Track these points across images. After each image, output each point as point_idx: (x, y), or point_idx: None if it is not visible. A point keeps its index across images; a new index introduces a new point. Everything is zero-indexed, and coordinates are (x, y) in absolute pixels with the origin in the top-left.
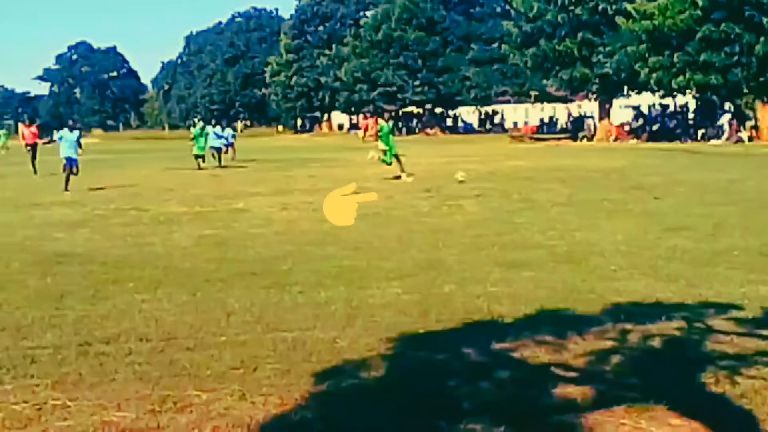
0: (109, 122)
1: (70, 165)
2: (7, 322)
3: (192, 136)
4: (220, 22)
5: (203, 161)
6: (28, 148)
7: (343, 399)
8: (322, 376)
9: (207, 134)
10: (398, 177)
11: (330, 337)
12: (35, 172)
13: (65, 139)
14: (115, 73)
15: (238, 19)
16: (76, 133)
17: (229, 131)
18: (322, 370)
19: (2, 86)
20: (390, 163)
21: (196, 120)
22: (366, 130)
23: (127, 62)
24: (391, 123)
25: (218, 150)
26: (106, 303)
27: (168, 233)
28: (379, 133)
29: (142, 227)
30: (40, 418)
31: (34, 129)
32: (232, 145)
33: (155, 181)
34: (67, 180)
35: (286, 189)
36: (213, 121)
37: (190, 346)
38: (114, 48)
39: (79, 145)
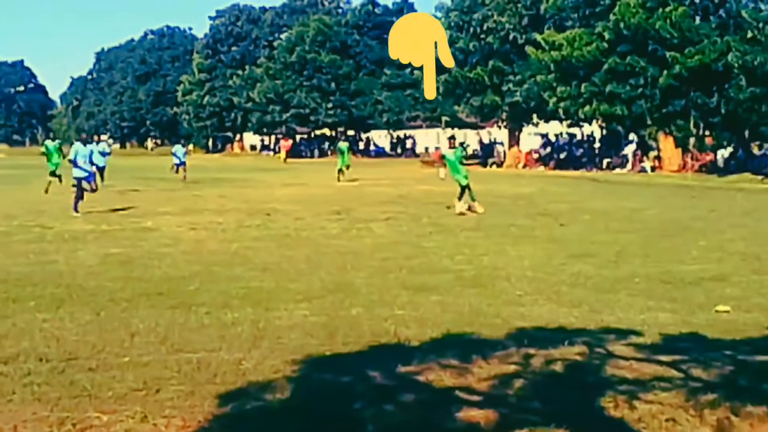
0: (15, 137)
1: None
2: None
3: (42, 151)
4: (132, 39)
5: (60, 181)
6: None
7: (247, 421)
8: (226, 397)
9: (78, 153)
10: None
11: (235, 359)
12: None
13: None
14: (22, 87)
15: (151, 37)
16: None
17: (180, 149)
18: (227, 391)
19: None
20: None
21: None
22: (288, 151)
23: (35, 76)
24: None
25: (101, 169)
26: (6, 322)
27: (72, 251)
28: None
29: (46, 245)
30: None
31: None
32: (184, 164)
33: (61, 198)
34: None
35: (195, 208)
36: (96, 137)
37: (92, 367)
38: (21, 61)
39: None
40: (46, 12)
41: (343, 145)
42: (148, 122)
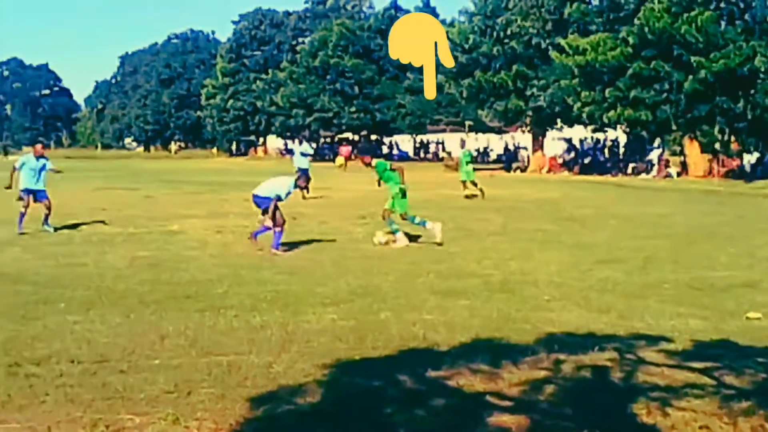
0: (41, 140)
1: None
2: None
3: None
4: (156, 43)
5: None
6: None
7: (278, 425)
8: (257, 401)
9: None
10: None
11: (265, 362)
12: None
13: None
14: (47, 91)
15: (175, 41)
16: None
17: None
18: (258, 395)
19: None
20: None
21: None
22: (347, 157)
23: (60, 80)
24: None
25: (305, 171)
26: (37, 323)
27: (101, 254)
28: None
29: (75, 247)
30: None
31: None
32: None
33: (88, 201)
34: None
35: (221, 212)
36: (298, 140)
37: (123, 369)
38: (46, 65)
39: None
40: (71, 16)
41: (464, 153)
42: (172, 125)
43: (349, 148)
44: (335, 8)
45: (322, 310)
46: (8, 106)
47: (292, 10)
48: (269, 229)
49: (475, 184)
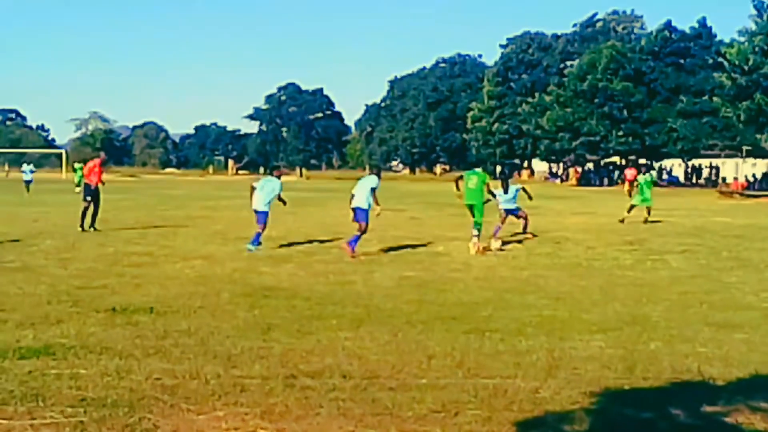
0: (313, 161)
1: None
2: (218, 351)
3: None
4: (424, 67)
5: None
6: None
7: None
8: (524, 425)
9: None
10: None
11: (532, 387)
12: (84, 226)
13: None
14: (320, 114)
15: (443, 65)
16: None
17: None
18: (524, 419)
19: (215, 124)
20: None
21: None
22: (632, 181)
23: (333, 104)
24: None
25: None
26: (311, 338)
27: (369, 273)
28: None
29: (344, 265)
30: None
31: (96, 163)
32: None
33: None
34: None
35: (486, 234)
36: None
37: (392, 386)
38: (320, 90)
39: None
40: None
41: (646, 178)
42: (437, 148)
43: (635, 170)
44: (604, 31)
45: (589, 337)
46: (284, 129)
47: (561, 33)
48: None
49: (648, 212)
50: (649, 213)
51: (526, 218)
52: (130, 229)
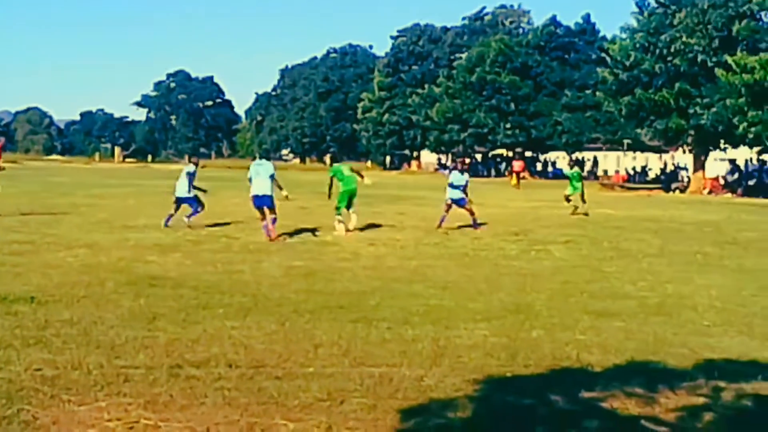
0: (202, 150)
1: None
2: (101, 340)
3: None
4: (315, 57)
5: None
6: None
7: None
8: (408, 413)
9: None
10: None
11: (417, 375)
12: None
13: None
14: (210, 102)
15: (333, 55)
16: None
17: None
18: (409, 407)
19: (102, 110)
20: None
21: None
22: (519, 173)
23: (223, 92)
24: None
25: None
26: (197, 327)
27: (257, 262)
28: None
29: (232, 254)
30: None
31: None
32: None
33: (244, 210)
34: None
35: (373, 224)
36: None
37: (279, 375)
38: (211, 78)
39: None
40: (235, 30)
41: (573, 173)
42: (328, 138)
43: (522, 162)
44: (493, 24)
45: (473, 326)
46: (173, 117)
47: (450, 26)
48: None
49: (574, 200)
50: (583, 200)
51: (472, 211)
52: (11, 216)
